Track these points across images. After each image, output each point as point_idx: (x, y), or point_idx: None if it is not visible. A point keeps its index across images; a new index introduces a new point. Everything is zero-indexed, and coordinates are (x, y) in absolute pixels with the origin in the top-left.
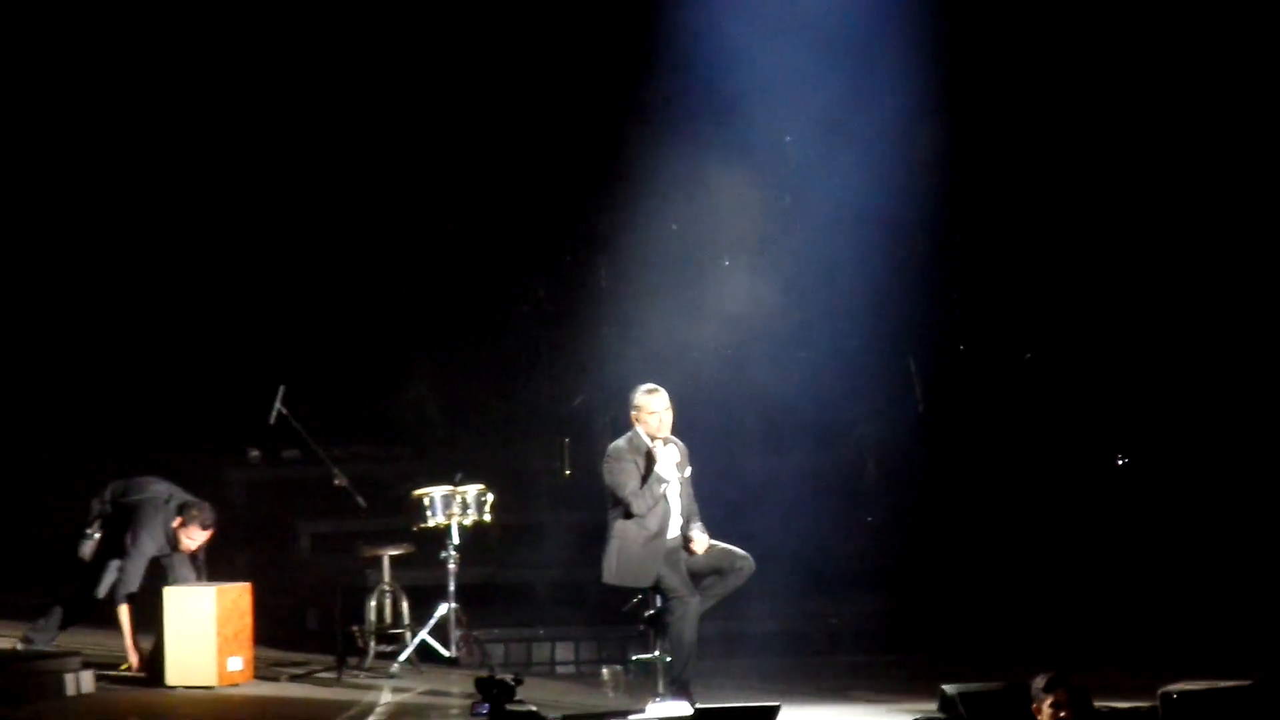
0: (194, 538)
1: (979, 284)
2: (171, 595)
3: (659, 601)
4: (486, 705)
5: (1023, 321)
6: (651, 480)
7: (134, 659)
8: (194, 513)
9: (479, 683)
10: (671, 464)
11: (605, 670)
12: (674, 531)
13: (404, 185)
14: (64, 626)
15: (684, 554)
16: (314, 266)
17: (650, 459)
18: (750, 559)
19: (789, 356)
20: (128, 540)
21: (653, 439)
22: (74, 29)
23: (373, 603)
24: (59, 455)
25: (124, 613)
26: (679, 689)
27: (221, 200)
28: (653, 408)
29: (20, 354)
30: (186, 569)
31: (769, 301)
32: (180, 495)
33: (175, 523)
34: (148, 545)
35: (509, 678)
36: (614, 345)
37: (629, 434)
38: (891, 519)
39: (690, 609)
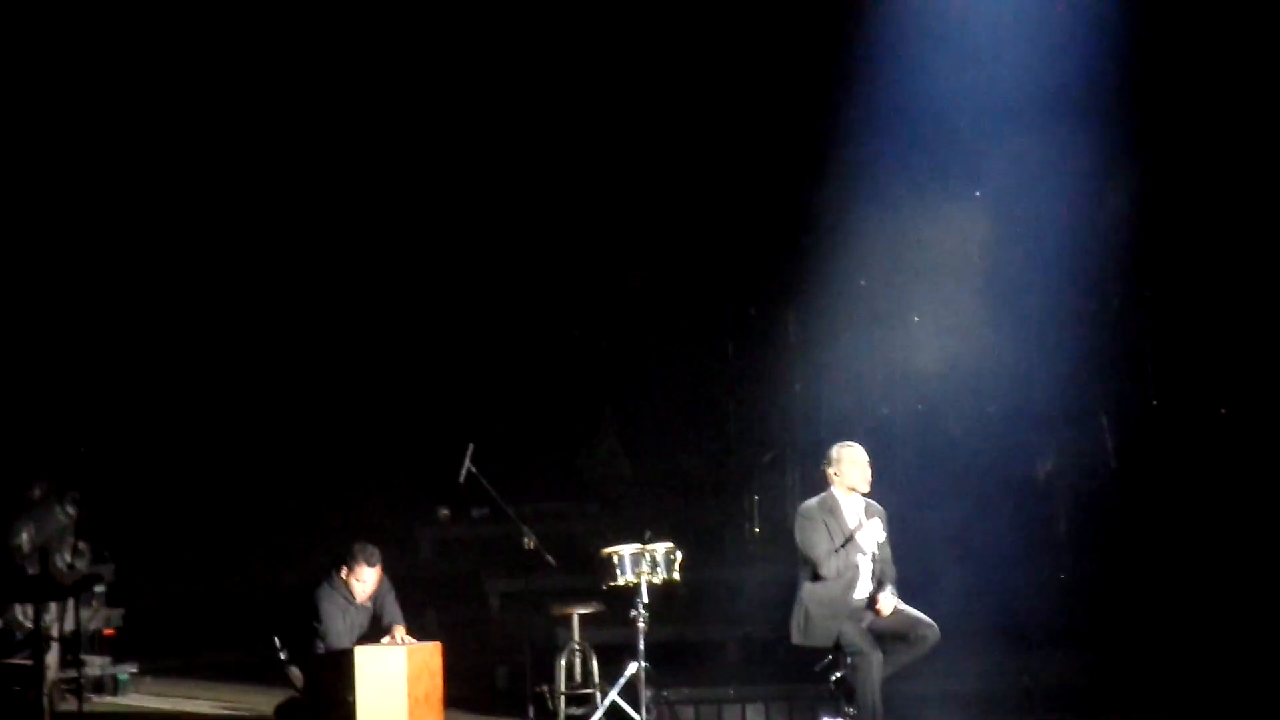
0: (364, 579)
1: (1172, 338)
2: (363, 655)
3: (847, 661)
4: None
5: (1217, 376)
6: (848, 548)
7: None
8: (355, 554)
9: None
10: (868, 530)
11: None
12: (862, 594)
13: (593, 240)
14: None
15: (870, 614)
16: (503, 326)
17: (844, 522)
18: (935, 629)
19: (980, 412)
20: (318, 629)
21: (850, 493)
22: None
23: (563, 661)
24: (255, 516)
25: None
26: None
27: (415, 261)
28: (852, 460)
29: (218, 419)
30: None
31: (959, 356)
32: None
33: (343, 574)
34: (334, 615)
35: None
36: (803, 401)
37: (823, 493)
38: (1086, 576)
39: (873, 664)
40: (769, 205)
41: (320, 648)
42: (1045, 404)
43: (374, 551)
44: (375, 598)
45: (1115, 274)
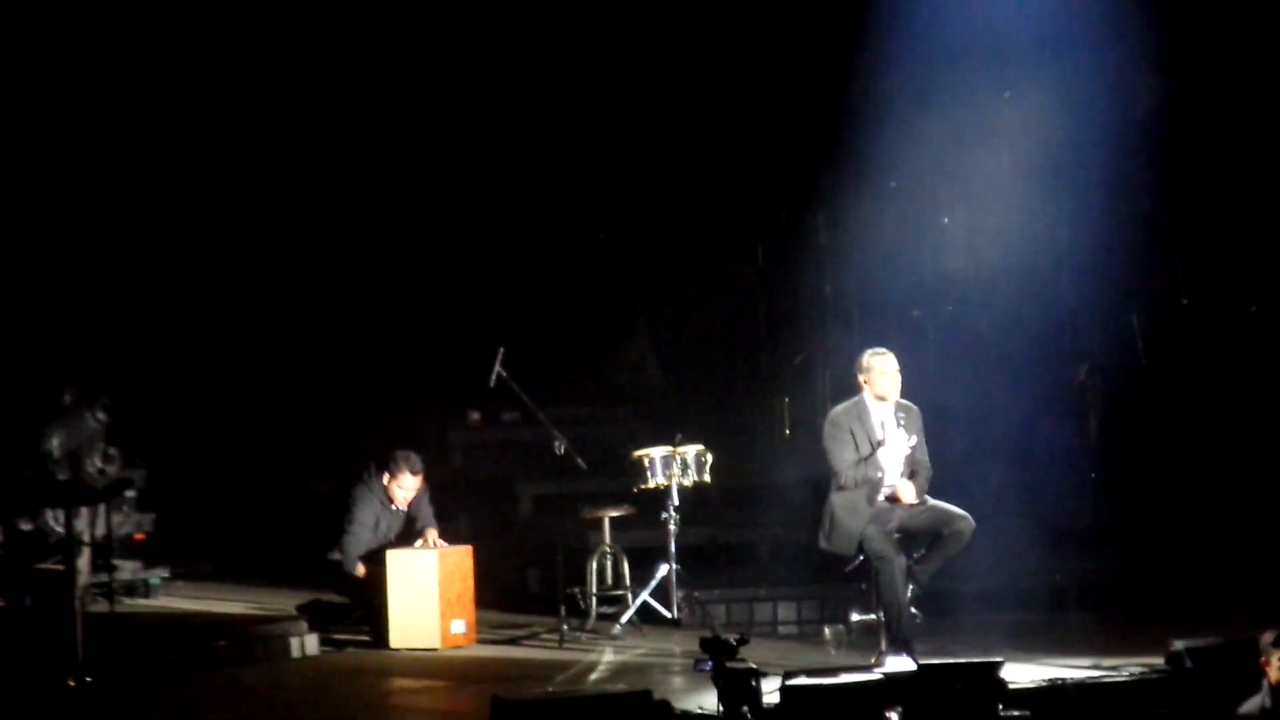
0: (406, 486)
1: (1202, 238)
2: (394, 558)
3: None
4: (710, 662)
5: (1246, 275)
6: (869, 464)
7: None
8: (399, 461)
9: (703, 642)
10: (896, 440)
11: (827, 629)
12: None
13: (623, 144)
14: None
15: (897, 516)
16: (535, 229)
17: (872, 430)
18: (969, 520)
19: (1011, 313)
20: (345, 521)
21: (880, 400)
22: None
23: (594, 564)
24: (285, 421)
25: (359, 571)
26: (899, 647)
27: (444, 164)
28: (882, 369)
29: (249, 324)
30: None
31: (988, 258)
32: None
33: (385, 479)
34: (365, 516)
35: (733, 637)
36: (833, 303)
37: (853, 399)
38: (1117, 475)
39: (896, 569)
40: (798, 108)
41: (345, 542)
42: (1077, 305)
43: (418, 460)
44: (412, 503)
45: (1146, 175)
